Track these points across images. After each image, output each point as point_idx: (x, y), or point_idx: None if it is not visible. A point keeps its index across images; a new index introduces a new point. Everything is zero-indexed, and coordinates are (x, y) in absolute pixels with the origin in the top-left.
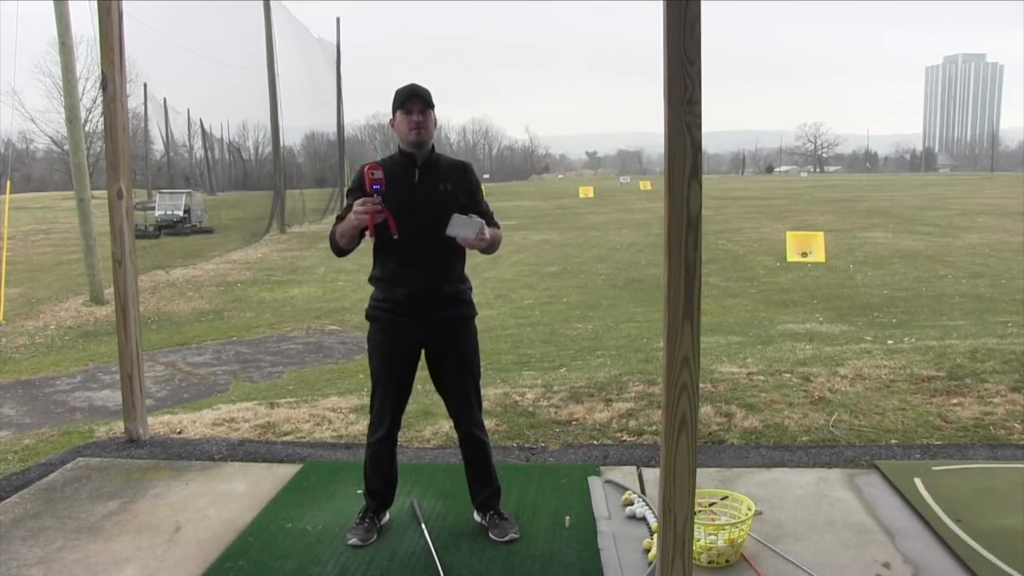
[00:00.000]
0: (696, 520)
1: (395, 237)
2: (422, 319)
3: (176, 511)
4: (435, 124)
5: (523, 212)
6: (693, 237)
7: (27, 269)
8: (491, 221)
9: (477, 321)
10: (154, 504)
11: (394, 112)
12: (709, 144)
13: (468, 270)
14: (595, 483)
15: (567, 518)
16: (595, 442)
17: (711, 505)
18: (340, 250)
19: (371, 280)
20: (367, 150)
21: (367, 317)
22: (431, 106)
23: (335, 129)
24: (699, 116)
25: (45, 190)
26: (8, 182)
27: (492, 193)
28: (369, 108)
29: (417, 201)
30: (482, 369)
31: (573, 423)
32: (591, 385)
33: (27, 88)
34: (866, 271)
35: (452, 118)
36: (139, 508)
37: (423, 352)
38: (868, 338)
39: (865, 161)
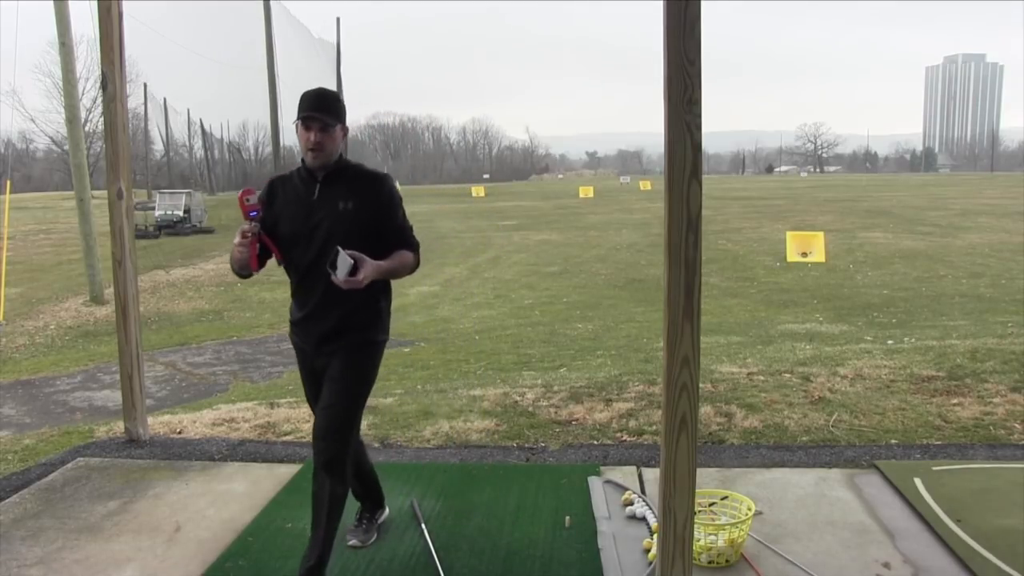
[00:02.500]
0: (696, 520)
1: (281, 264)
2: (316, 346)
3: (176, 511)
4: (343, 136)
5: (523, 212)
6: (693, 237)
7: (27, 269)
8: (402, 240)
9: (385, 347)
10: (154, 504)
11: (296, 120)
12: (709, 144)
13: (453, 274)
14: (595, 483)
15: (567, 518)
16: (595, 442)
17: (711, 505)
18: (241, 276)
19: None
20: (367, 150)
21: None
22: (334, 123)
23: None
24: (699, 116)
25: (45, 190)
26: (8, 182)
27: (492, 193)
28: (369, 108)
29: (314, 221)
30: (480, 371)
31: (573, 423)
32: (591, 385)
33: (27, 88)
34: (866, 271)
35: (452, 118)
36: (139, 508)
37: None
38: (868, 338)
39: (865, 161)
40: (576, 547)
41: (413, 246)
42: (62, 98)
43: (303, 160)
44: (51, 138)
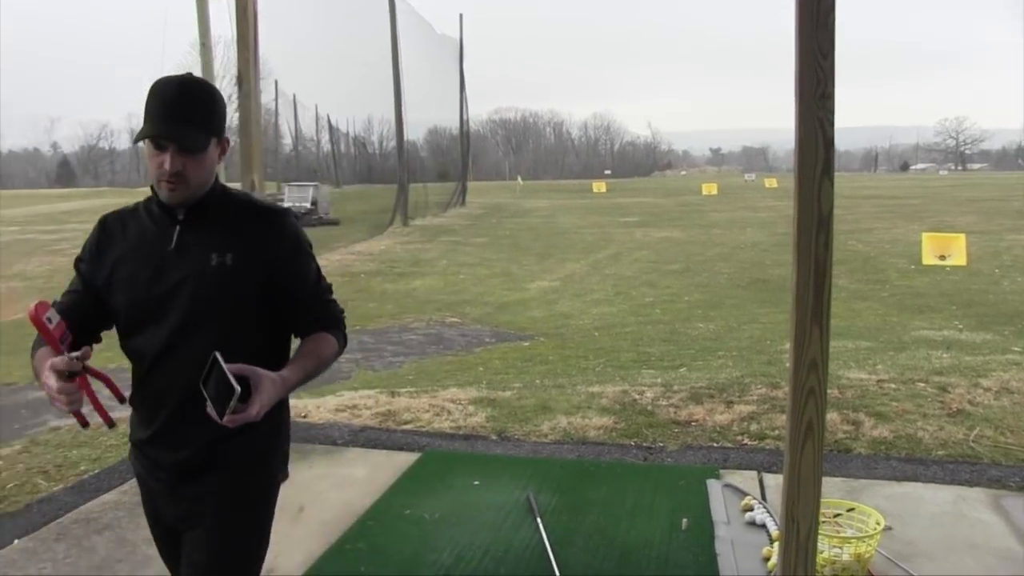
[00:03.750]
0: (820, 531)
1: (110, 427)
2: (170, 485)
3: (300, 492)
4: (222, 154)
5: (644, 209)
6: (824, 237)
7: None
8: (317, 314)
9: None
10: None
11: (138, 134)
12: (840, 140)
13: (573, 270)
14: (714, 486)
15: (684, 520)
16: (715, 444)
17: (836, 516)
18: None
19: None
20: (489, 145)
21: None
22: (204, 141)
23: (458, 124)
24: (832, 112)
25: None
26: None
27: (613, 189)
28: (491, 103)
29: (168, 284)
30: (599, 367)
31: (693, 424)
32: (712, 386)
33: None
34: (1015, 276)
35: (574, 113)
36: None
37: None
38: (1016, 349)
39: (1017, 158)
40: (692, 550)
41: (336, 322)
42: None
43: (153, 188)
44: None
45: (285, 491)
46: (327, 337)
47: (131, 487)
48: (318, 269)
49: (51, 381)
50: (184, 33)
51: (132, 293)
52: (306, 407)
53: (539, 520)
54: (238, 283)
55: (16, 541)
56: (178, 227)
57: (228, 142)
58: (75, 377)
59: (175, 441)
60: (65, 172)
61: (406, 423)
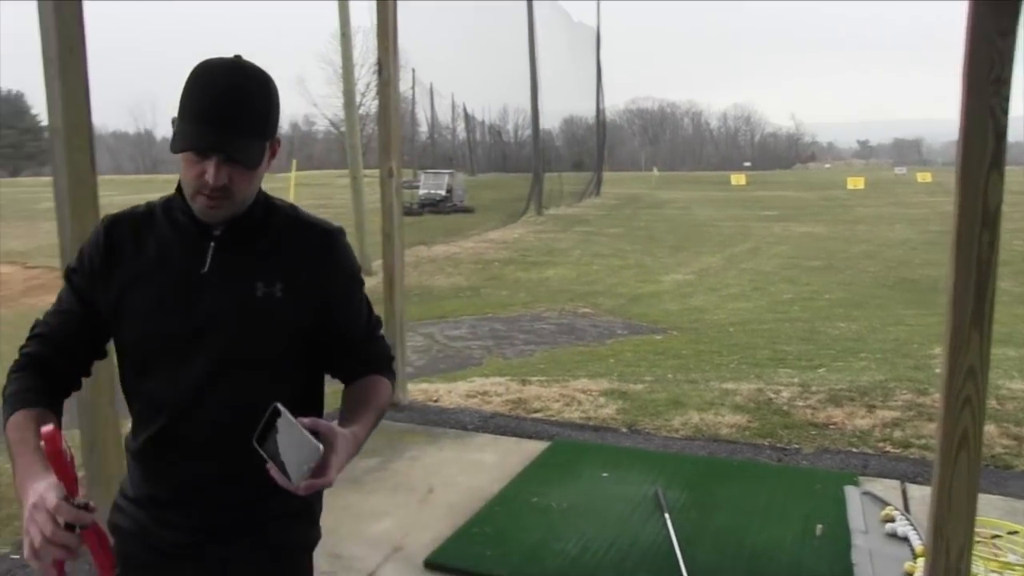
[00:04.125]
0: (975, 552)
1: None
2: (193, 549)
3: (430, 474)
4: (271, 158)
5: (786, 202)
6: (989, 235)
7: None
8: (372, 354)
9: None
10: (410, 465)
11: (176, 137)
12: (1011, 130)
13: (709, 264)
14: (852, 493)
15: (819, 526)
16: (854, 449)
17: (994, 538)
18: None
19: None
20: (625, 135)
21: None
22: (258, 150)
23: (594, 113)
24: (1007, 99)
25: (323, 168)
26: (294, 161)
27: (753, 182)
28: (628, 93)
29: (201, 317)
30: (733, 364)
31: (831, 427)
32: (852, 388)
33: (312, 76)
34: None
35: (713, 104)
36: (397, 467)
37: None
38: None
39: None
40: (827, 558)
41: (388, 362)
42: (341, 84)
43: (180, 192)
44: (330, 121)
45: (415, 473)
46: (383, 382)
47: None
48: (368, 299)
49: (46, 528)
50: (325, 24)
51: (151, 325)
52: (437, 391)
53: (667, 516)
54: (289, 319)
55: None
56: (213, 244)
57: (279, 143)
58: (75, 528)
59: (204, 501)
60: None
61: (536, 411)
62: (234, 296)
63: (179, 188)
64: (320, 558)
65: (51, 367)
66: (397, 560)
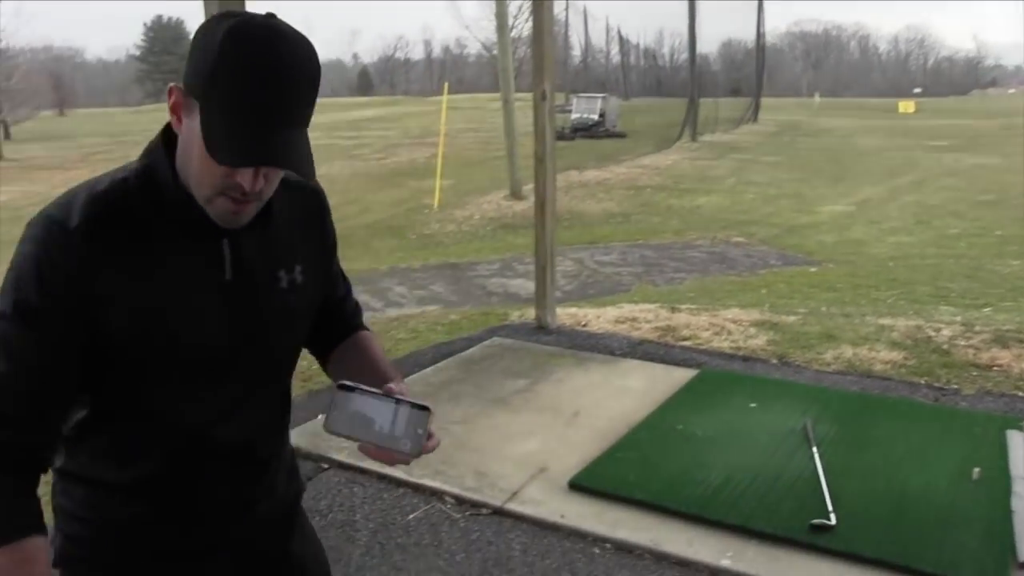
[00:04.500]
0: None
1: None
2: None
3: (576, 397)
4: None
5: (958, 131)
6: None
7: (458, 163)
8: (356, 308)
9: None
10: (557, 388)
11: (216, 135)
12: (1011, 55)
13: (870, 195)
14: (1015, 438)
15: (976, 470)
16: (1020, 393)
17: None
18: None
19: (74, 481)
20: (786, 59)
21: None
22: (311, 160)
23: (754, 37)
24: None
25: (474, 92)
26: (446, 84)
27: (923, 109)
28: (791, 14)
29: (229, 335)
30: (891, 299)
31: (995, 369)
32: (1022, 330)
33: None
34: None
35: (883, 26)
36: (543, 389)
37: None
38: None
39: None
40: (983, 503)
41: (361, 314)
42: (494, 6)
43: (160, 171)
44: (482, 44)
45: (562, 396)
46: (374, 335)
47: None
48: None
49: None
50: None
51: (169, 350)
52: (586, 316)
53: (815, 450)
54: (312, 301)
55: None
56: (226, 241)
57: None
58: None
59: (242, 515)
60: (364, 82)
61: (684, 339)
62: (263, 298)
63: (157, 165)
64: (466, 476)
65: (24, 455)
66: (541, 480)
